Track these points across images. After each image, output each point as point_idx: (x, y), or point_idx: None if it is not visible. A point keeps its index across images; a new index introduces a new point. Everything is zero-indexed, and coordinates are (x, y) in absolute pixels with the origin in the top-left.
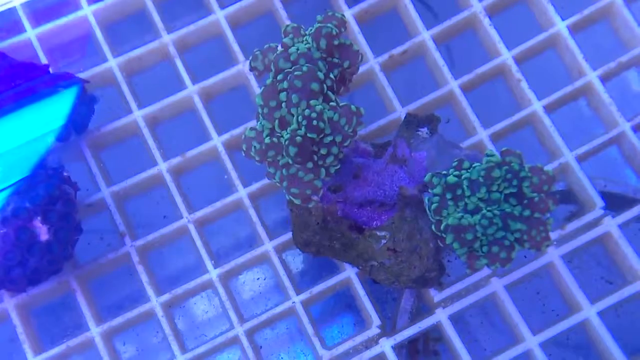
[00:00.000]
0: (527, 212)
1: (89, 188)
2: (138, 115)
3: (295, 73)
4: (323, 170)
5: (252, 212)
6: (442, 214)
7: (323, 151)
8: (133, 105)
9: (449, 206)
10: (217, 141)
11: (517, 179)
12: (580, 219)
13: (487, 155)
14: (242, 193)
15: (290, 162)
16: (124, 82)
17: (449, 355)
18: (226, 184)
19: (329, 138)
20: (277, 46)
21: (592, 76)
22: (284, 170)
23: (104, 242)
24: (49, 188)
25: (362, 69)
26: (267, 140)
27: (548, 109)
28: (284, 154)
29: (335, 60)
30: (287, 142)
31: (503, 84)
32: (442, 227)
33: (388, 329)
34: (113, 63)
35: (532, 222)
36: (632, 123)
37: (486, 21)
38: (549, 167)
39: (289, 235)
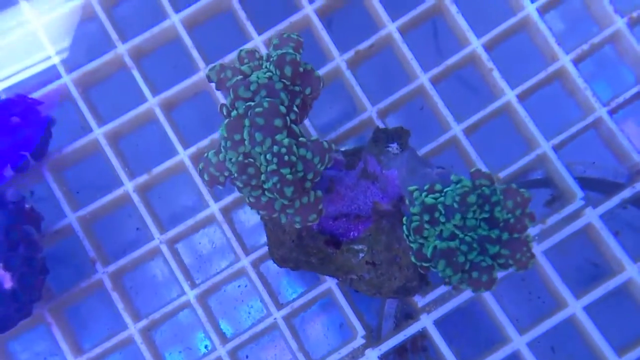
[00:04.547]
0: (505, 236)
1: (54, 214)
2: (98, 133)
3: (256, 110)
4: (309, 182)
5: (225, 227)
6: (423, 234)
7: None
8: (92, 122)
9: (427, 229)
10: (183, 155)
11: (489, 204)
12: (560, 212)
13: (455, 182)
14: (213, 208)
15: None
16: (80, 98)
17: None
18: (197, 199)
19: (300, 174)
20: (235, 65)
21: (565, 60)
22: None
23: (75, 270)
24: (9, 233)
25: (328, 67)
26: (245, 161)
27: (521, 98)
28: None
29: (297, 89)
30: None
31: (475, 73)
32: (428, 254)
33: (374, 334)
34: (67, 79)
35: (514, 245)
36: (609, 107)
37: (453, 9)
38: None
39: (265, 247)
